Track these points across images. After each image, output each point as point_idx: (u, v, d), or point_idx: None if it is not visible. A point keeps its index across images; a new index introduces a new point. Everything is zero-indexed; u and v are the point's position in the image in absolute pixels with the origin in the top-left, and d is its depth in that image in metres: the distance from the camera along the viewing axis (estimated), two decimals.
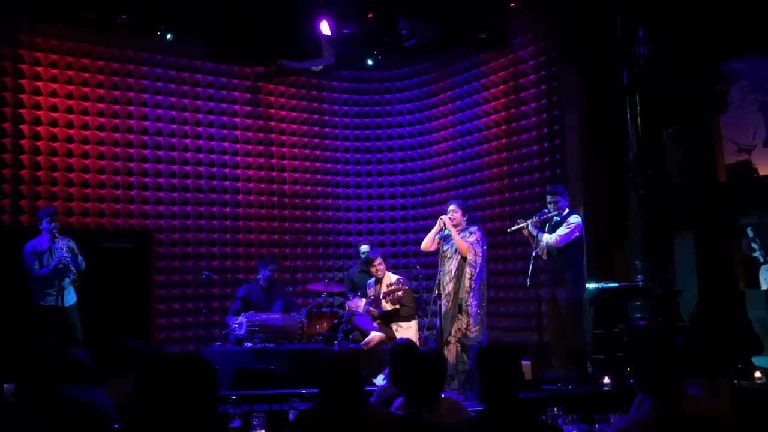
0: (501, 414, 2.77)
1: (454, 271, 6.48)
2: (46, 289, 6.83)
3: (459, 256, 6.45)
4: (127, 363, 3.90)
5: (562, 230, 6.52)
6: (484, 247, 6.53)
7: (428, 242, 6.74)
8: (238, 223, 9.27)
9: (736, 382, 5.54)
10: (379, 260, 7.52)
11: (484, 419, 2.84)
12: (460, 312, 6.35)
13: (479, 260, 6.43)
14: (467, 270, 6.39)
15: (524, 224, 6.63)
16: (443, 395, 3.67)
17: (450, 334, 6.37)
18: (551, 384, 5.92)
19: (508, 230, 6.91)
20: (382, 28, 8.16)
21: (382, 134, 10.22)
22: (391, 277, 7.48)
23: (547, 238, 6.53)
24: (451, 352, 6.30)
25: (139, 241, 8.32)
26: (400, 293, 7.15)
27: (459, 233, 6.51)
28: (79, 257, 7.01)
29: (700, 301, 7.24)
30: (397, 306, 7.30)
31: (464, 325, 6.32)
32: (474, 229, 6.56)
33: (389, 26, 8.14)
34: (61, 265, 6.75)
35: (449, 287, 6.45)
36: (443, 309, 6.44)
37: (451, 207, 6.68)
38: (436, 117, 9.80)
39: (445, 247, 6.61)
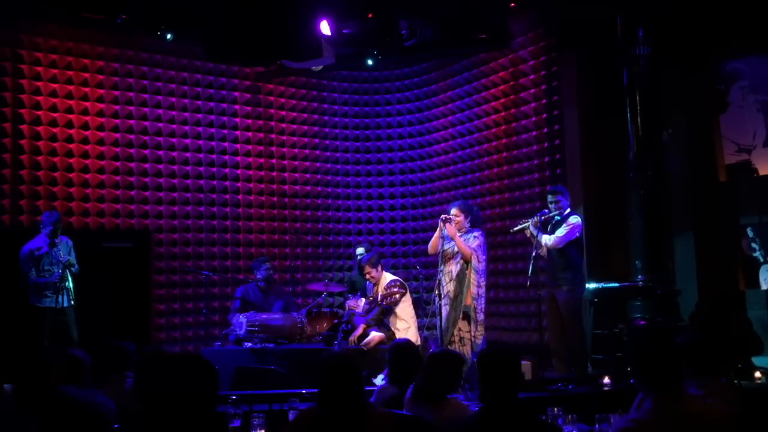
0: (501, 413, 2.81)
1: (454, 272, 6.45)
2: (43, 291, 6.83)
3: (461, 260, 6.42)
4: (126, 363, 3.91)
5: (561, 231, 6.49)
6: (486, 253, 6.53)
7: (434, 245, 6.71)
8: (238, 223, 9.27)
9: (736, 382, 5.55)
10: (368, 268, 7.21)
11: (485, 417, 2.85)
12: (465, 319, 6.33)
13: (482, 267, 6.41)
14: (472, 276, 6.35)
15: (526, 224, 6.59)
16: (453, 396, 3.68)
17: (452, 335, 6.37)
18: (551, 384, 5.91)
19: (511, 230, 6.88)
20: (382, 28, 8.17)
21: (382, 134, 10.22)
22: (387, 278, 7.34)
23: (546, 239, 6.50)
24: None
25: (139, 241, 8.33)
26: (396, 296, 7.06)
27: (461, 236, 6.46)
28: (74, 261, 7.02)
29: (700, 301, 7.25)
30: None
31: (469, 331, 6.31)
32: (477, 233, 6.48)
33: (389, 26, 8.15)
34: (66, 273, 6.80)
35: (449, 287, 6.43)
36: (444, 311, 6.43)
37: (453, 210, 6.62)
38: (436, 117, 9.80)
39: (446, 247, 6.57)
